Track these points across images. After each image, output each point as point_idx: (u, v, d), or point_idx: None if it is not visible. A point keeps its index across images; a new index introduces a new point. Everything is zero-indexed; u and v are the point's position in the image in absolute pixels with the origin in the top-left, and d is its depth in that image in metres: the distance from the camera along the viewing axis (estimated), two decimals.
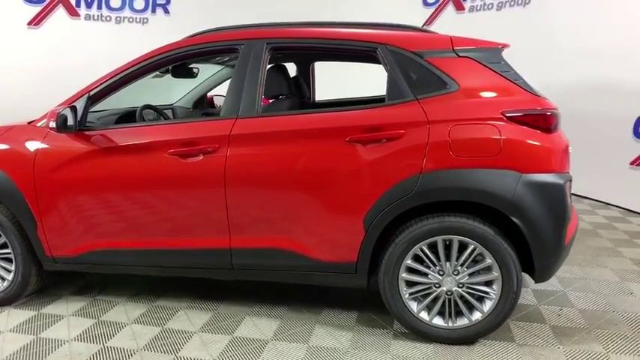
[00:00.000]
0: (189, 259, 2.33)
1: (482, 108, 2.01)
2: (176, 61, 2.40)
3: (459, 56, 2.10)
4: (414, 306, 2.14)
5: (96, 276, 2.94)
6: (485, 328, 2.10)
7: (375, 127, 2.04)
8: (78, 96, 2.37)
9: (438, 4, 5.96)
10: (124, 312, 2.52)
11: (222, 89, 3.70)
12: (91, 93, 2.35)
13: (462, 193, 1.97)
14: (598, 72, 4.33)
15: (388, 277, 2.12)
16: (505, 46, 2.16)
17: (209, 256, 2.29)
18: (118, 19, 6.15)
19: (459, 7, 5.78)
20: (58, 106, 2.35)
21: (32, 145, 2.37)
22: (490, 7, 5.48)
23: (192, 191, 2.22)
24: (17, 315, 2.51)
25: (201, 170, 2.18)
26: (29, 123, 2.55)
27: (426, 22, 6.00)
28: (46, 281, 2.68)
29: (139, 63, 2.35)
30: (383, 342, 2.19)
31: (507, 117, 1.97)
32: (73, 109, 2.21)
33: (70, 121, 2.19)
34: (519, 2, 5.21)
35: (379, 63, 2.18)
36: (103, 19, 6.07)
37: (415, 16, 6.01)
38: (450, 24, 5.72)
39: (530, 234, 1.96)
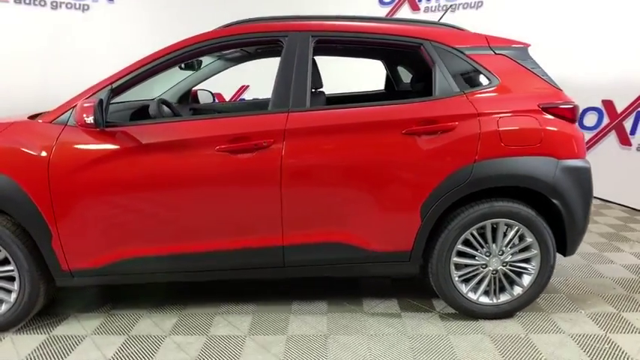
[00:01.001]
0: (235, 260, 2.21)
1: (522, 101, 2.20)
2: (213, 51, 2.27)
3: (496, 53, 2.28)
4: (462, 287, 2.29)
5: (91, 289, 2.66)
6: (525, 301, 2.32)
7: (430, 119, 2.13)
8: (98, 88, 2.12)
9: (393, 4, 6.21)
10: (153, 324, 2.32)
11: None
12: (114, 85, 2.12)
13: (512, 179, 2.14)
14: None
15: (441, 263, 2.23)
16: (529, 45, 2.38)
17: (259, 255, 2.20)
18: (55, 4, 5.46)
19: (414, 7, 6.09)
20: (80, 99, 2.08)
21: (45, 145, 2.06)
22: (444, 8, 5.87)
23: (243, 189, 2.11)
24: (25, 341, 2.17)
25: (254, 166, 2.08)
26: (31, 118, 2.22)
27: None
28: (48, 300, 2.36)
29: (171, 52, 2.16)
30: (437, 323, 2.30)
31: (543, 109, 2.19)
32: (101, 102, 1.97)
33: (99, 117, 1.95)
34: (472, 5, 5.65)
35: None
36: (37, 3, 5.35)
37: (371, 14, 6.22)
38: None
39: (566, 213, 2.19)
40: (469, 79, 2.23)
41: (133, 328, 2.28)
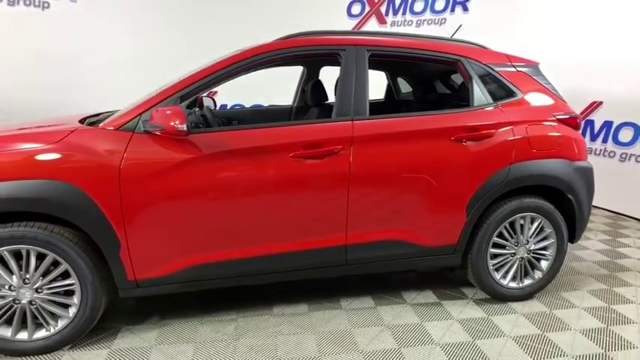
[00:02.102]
0: (302, 260, 2.31)
1: (542, 112, 2.58)
2: (275, 61, 2.34)
3: (517, 70, 2.64)
4: (496, 275, 2.60)
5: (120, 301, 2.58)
6: (543, 284, 2.70)
7: (473, 127, 2.42)
8: (167, 95, 2.11)
9: (362, 17, 6.54)
10: (214, 330, 2.33)
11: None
12: (183, 93, 2.13)
13: (540, 179, 2.50)
14: None
15: (480, 254, 2.53)
16: (539, 63, 2.77)
17: (324, 254, 2.33)
18: (12, 1, 5.00)
19: (382, 21, 6.48)
20: (146, 106, 2.06)
21: (114, 152, 2.00)
22: (410, 23, 6.32)
23: (313, 193, 2.22)
24: (87, 357, 2.08)
25: (324, 171, 2.21)
26: (87, 123, 2.14)
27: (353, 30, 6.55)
28: None
29: (235, 62, 2.21)
30: (475, 308, 2.59)
31: (557, 118, 2.59)
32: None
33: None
34: (436, 22, 6.16)
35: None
36: None
37: (340, 25, 6.50)
38: None
39: (577, 206, 2.61)
40: (500, 92, 2.56)
41: (196, 334, 2.28)
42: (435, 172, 2.37)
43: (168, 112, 1.94)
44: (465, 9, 5.93)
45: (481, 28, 5.74)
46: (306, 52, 2.39)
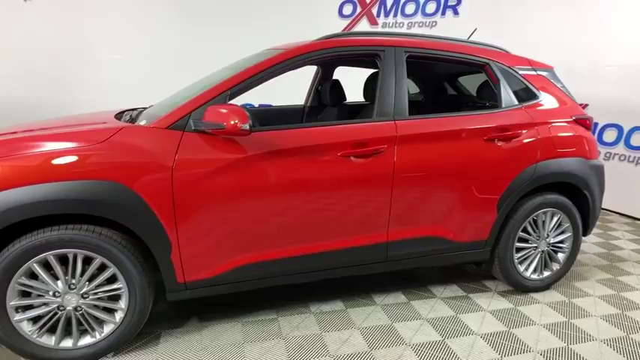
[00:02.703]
0: (346, 258, 2.34)
1: (561, 113, 2.74)
2: (316, 61, 2.36)
3: (537, 73, 2.78)
4: (520, 267, 2.74)
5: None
6: (560, 275, 2.87)
7: (504, 128, 2.53)
8: (216, 93, 2.08)
9: (353, 17, 6.61)
10: (281, 326, 2.32)
11: None
12: (232, 91, 2.11)
13: (562, 176, 2.66)
14: None
15: (507, 248, 2.66)
16: (553, 67, 2.94)
17: (367, 251, 2.37)
18: None
19: (373, 22, 6.57)
20: (196, 104, 2.02)
21: (166, 152, 1.95)
22: (401, 25, 6.44)
23: (359, 191, 2.26)
24: None
25: (370, 170, 2.25)
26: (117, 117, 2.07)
27: (344, 30, 6.61)
28: None
29: (279, 62, 2.20)
30: (501, 299, 2.72)
31: (574, 120, 2.76)
32: None
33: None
34: (427, 24, 6.32)
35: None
36: None
37: (331, 25, 6.55)
38: None
39: (591, 201, 2.79)
40: (523, 94, 2.69)
41: (242, 335, 2.26)
42: (470, 170, 2.47)
43: (228, 110, 1.91)
44: (456, 12, 6.12)
45: (468, 32, 5.97)
46: (347, 53, 2.42)
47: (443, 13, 6.20)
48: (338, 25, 6.65)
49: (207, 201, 2.01)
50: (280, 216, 2.16)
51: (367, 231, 2.34)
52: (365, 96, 2.96)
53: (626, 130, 4.68)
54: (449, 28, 6.16)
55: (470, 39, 2.92)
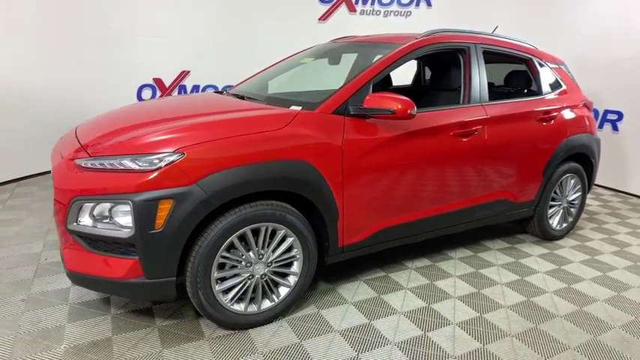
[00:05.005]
0: (450, 219, 2.85)
1: (577, 98, 3.51)
2: (425, 54, 2.75)
3: (559, 66, 3.51)
4: (550, 221, 3.50)
5: None
6: (573, 225, 3.71)
7: (548, 111, 3.21)
8: (363, 82, 2.40)
9: (332, 3, 6.93)
10: (381, 285, 2.73)
11: None
12: (375, 81, 2.44)
13: (581, 148, 3.44)
14: None
15: (545, 206, 3.40)
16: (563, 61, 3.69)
17: (463, 213, 2.90)
18: None
19: (352, 9, 6.96)
20: (349, 94, 2.33)
21: (336, 134, 2.24)
22: (378, 13, 6.94)
23: (462, 164, 2.76)
24: (265, 333, 2.32)
25: (469, 147, 2.76)
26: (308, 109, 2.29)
27: (321, 17, 6.90)
28: None
29: (400, 57, 2.57)
30: (539, 247, 3.45)
31: (584, 104, 3.55)
32: None
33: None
34: (402, 14, 6.90)
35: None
36: None
37: (311, 10, 6.82)
38: (343, 22, 6.84)
39: (594, 167, 3.64)
40: (554, 84, 3.40)
41: (365, 291, 2.64)
42: (528, 144, 3.11)
43: (398, 98, 2.24)
44: (429, 4, 6.78)
45: (442, 23, 6.67)
46: (446, 47, 2.86)
47: (417, 4, 6.80)
48: (319, 10, 6.93)
49: (365, 174, 2.36)
50: (412, 185, 2.58)
51: (465, 196, 2.87)
52: (436, 83, 3.43)
53: None
54: (422, 19, 6.83)
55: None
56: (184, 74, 6.24)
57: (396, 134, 2.42)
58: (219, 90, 5.27)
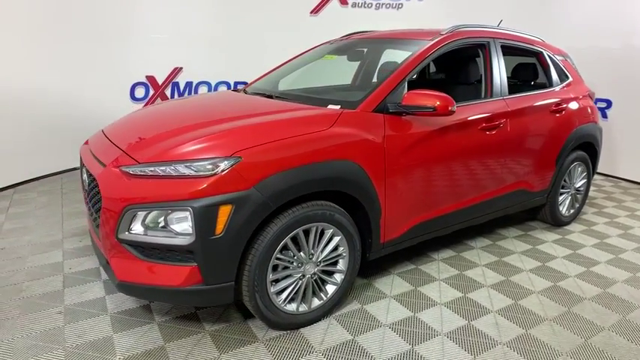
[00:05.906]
0: (479, 209, 2.93)
1: (582, 90, 3.65)
2: (451, 49, 2.79)
3: (565, 59, 3.64)
4: (561, 208, 3.65)
5: None
6: (579, 211, 3.88)
7: (559, 103, 3.34)
8: (398, 80, 2.43)
9: None
10: (414, 278, 2.79)
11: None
12: (409, 78, 2.48)
13: (588, 137, 3.59)
14: None
15: (556, 194, 3.53)
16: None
17: (489, 203, 2.99)
18: None
19: (343, 2, 6.94)
20: (385, 93, 2.36)
21: (378, 132, 2.26)
22: (369, 6, 6.95)
23: (490, 156, 2.85)
24: (316, 332, 2.36)
25: (495, 139, 2.84)
26: (343, 107, 2.30)
27: (313, 10, 6.86)
28: None
29: (430, 53, 2.61)
30: (551, 233, 3.60)
31: (587, 94, 3.71)
32: None
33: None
34: (394, 6, 6.94)
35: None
36: None
37: (303, 3, 6.76)
38: (334, 15, 6.83)
39: (598, 154, 3.81)
40: (562, 76, 3.53)
41: (401, 284, 2.71)
42: (544, 135, 3.23)
43: (438, 95, 2.27)
44: None
45: (432, 16, 6.77)
46: (470, 43, 2.91)
47: None
48: (310, 3, 6.88)
49: (404, 171, 2.40)
50: (445, 180, 2.64)
51: (491, 188, 2.96)
52: (451, 77, 3.47)
53: None
54: (413, 11, 6.91)
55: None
56: (177, 71, 6.10)
57: (430, 130, 2.47)
58: (235, 88, 5.18)
